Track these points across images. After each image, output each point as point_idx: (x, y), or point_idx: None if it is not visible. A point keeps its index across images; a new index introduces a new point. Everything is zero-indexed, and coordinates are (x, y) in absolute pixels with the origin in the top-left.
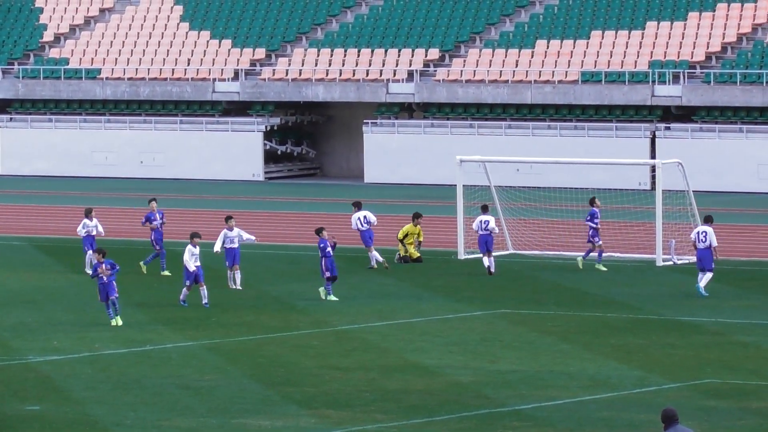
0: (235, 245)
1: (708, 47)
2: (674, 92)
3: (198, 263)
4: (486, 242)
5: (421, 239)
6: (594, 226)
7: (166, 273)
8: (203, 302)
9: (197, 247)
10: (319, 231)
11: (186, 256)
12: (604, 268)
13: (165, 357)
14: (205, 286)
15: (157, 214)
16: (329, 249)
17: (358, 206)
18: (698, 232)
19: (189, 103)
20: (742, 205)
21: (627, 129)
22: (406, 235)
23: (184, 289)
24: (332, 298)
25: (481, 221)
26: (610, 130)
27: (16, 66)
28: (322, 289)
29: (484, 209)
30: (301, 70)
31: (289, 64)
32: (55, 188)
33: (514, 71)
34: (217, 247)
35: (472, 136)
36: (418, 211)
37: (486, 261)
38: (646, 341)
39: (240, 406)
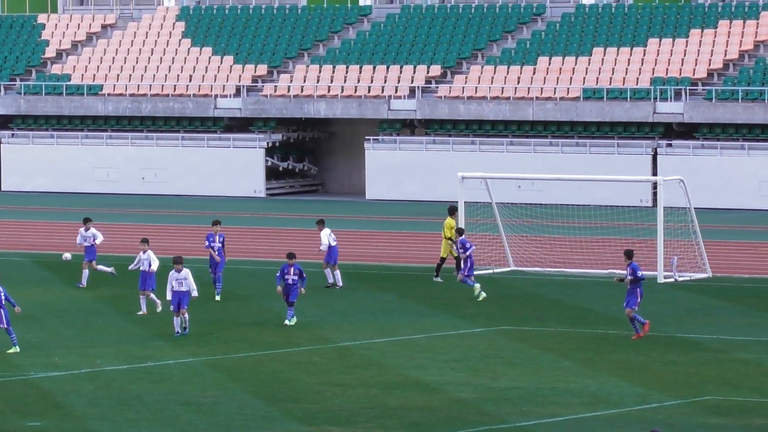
0: (184, 288)
1: (710, 64)
2: (676, 109)
3: (183, 288)
4: (336, 255)
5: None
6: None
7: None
8: (176, 330)
9: (181, 272)
10: (289, 256)
11: (168, 283)
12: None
13: (166, 373)
14: (187, 314)
15: (217, 237)
16: (287, 276)
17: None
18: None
19: (191, 120)
20: (744, 223)
21: (629, 146)
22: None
23: (174, 318)
24: (287, 322)
25: (330, 235)
26: (611, 147)
27: (18, 82)
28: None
29: (322, 223)
30: (302, 87)
31: (291, 81)
32: (57, 204)
33: (515, 88)
34: (169, 296)
35: (474, 152)
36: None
37: (337, 275)
38: (647, 358)
39: (241, 422)
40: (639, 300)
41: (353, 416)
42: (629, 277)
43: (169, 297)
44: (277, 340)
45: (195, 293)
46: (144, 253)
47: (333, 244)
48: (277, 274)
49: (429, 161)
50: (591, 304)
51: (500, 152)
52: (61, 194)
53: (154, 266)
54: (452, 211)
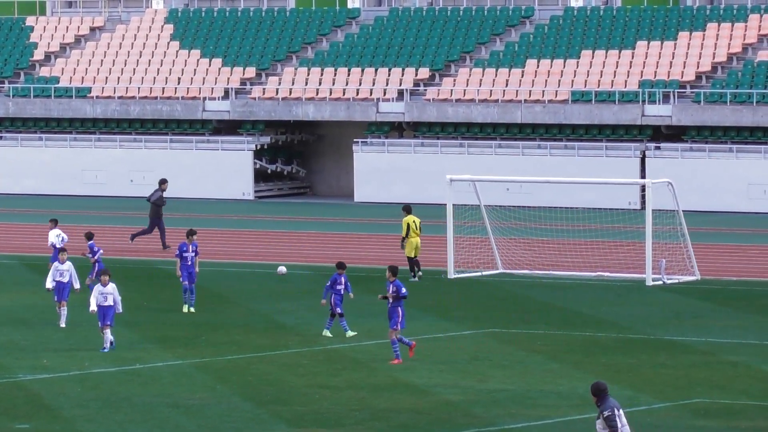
0: (108, 303)
1: (698, 67)
2: (664, 112)
3: (107, 303)
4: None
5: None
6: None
7: (185, 310)
8: (104, 345)
9: (107, 286)
10: (340, 266)
11: (93, 296)
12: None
13: (155, 375)
14: (109, 330)
15: (191, 247)
16: (338, 286)
17: (55, 223)
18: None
19: (179, 122)
20: (732, 225)
21: (617, 148)
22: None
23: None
24: (350, 333)
25: (59, 236)
26: (600, 150)
27: (7, 84)
28: (326, 331)
29: (54, 222)
30: (291, 89)
31: (280, 83)
32: (46, 207)
33: (504, 90)
34: (93, 306)
35: (462, 155)
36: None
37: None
38: (635, 361)
39: (230, 424)
40: (400, 319)
41: (342, 418)
42: (392, 294)
43: (92, 309)
44: (266, 343)
45: (119, 308)
46: (63, 263)
47: (58, 246)
48: (327, 284)
49: (417, 164)
50: (579, 307)
51: (488, 155)
52: (50, 197)
53: (76, 284)
54: (408, 209)
